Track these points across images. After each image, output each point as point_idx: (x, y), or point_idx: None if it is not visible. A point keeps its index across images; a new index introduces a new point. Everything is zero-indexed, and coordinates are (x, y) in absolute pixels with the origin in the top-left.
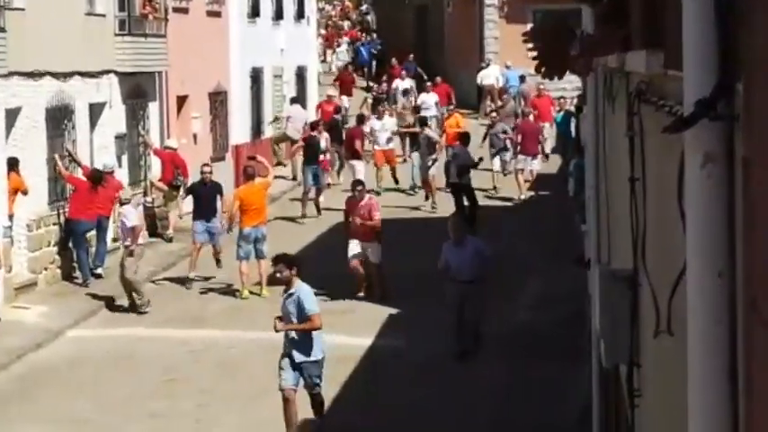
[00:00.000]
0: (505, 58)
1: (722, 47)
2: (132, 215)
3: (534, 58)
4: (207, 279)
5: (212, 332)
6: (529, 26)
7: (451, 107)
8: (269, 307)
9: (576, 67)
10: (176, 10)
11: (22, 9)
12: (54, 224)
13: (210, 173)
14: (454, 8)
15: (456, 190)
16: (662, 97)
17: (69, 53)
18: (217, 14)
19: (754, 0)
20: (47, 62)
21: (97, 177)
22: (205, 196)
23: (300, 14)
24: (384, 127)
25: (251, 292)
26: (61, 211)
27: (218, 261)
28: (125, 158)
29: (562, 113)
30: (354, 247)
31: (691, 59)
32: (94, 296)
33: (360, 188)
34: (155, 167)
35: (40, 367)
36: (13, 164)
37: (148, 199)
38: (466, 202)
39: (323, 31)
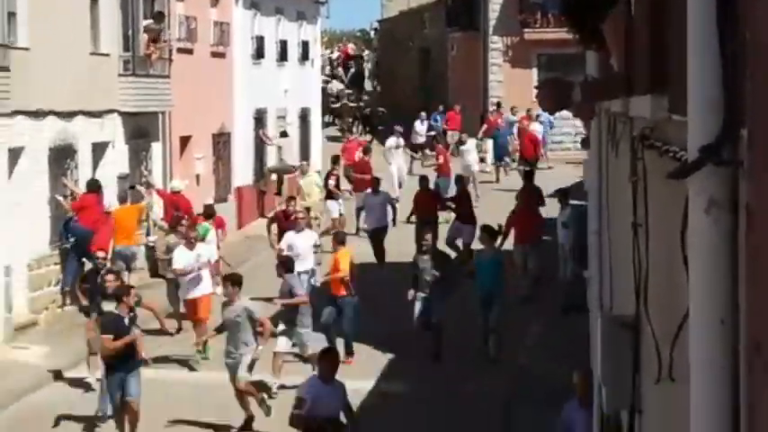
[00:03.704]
0: (510, 102)
1: (727, 93)
2: None
3: (538, 101)
4: None
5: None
6: (533, 71)
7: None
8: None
9: (579, 113)
10: (181, 51)
11: (27, 48)
12: (55, 264)
13: None
14: (458, 51)
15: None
16: (666, 142)
17: (73, 92)
18: (221, 55)
19: (758, 48)
20: (50, 101)
21: (94, 185)
22: None
23: (305, 56)
24: None
25: None
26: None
27: None
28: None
29: None
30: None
31: (696, 105)
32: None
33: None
34: (156, 208)
35: (40, 408)
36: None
37: (151, 239)
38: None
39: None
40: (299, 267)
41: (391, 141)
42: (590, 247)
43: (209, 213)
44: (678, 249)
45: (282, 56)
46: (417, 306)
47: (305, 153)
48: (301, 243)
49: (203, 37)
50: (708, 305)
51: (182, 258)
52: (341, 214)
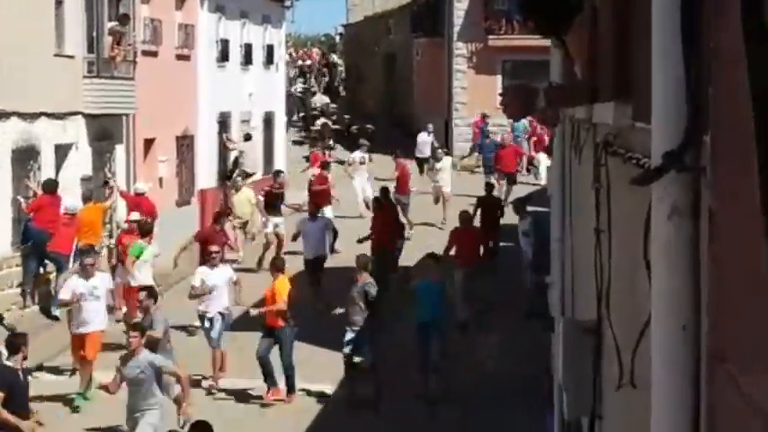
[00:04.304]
0: (473, 108)
1: (690, 100)
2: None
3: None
4: None
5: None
6: (498, 77)
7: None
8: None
9: (544, 118)
10: (145, 53)
11: None
12: (17, 266)
13: None
14: (423, 57)
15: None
16: (629, 149)
17: (37, 94)
18: (186, 58)
19: (721, 55)
20: (14, 102)
21: (51, 185)
22: None
23: (270, 60)
24: None
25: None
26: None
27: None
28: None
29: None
30: None
31: (659, 112)
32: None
33: None
34: (120, 209)
35: None
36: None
37: (113, 241)
38: None
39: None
40: (214, 308)
41: (356, 155)
42: (552, 253)
43: (145, 230)
44: (640, 255)
45: (247, 59)
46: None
47: (269, 157)
48: (216, 279)
49: (168, 39)
50: (670, 311)
51: (69, 287)
52: (276, 226)
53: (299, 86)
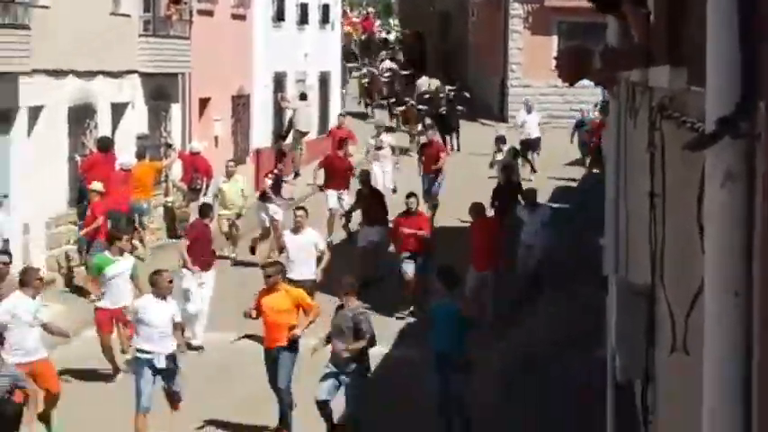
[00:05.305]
0: (528, 69)
1: (745, 66)
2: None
3: (557, 71)
4: None
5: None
6: (553, 38)
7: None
8: None
9: (600, 79)
10: (201, 12)
11: (47, 7)
12: (73, 223)
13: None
14: (479, 17)
15: None
16: (684, 113)
17: (93, 52)
18: (242, 18)
19: None
20: (70, 61)
21: (104, 143)
22: None
23: (325, 19)
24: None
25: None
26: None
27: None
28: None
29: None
30: None
31: (713, 77)
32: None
33: None
34: (175, 169)
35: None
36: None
37: (169, 199)
38: None
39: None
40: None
41: (371, 141)
42: (606, 215)
43: (114, 237)
44: (694, 220)
45: (303, 19)
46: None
47: (324, 118)
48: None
49: None
50: (722, 277)
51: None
52: (274, 220)
53: (386, 65)
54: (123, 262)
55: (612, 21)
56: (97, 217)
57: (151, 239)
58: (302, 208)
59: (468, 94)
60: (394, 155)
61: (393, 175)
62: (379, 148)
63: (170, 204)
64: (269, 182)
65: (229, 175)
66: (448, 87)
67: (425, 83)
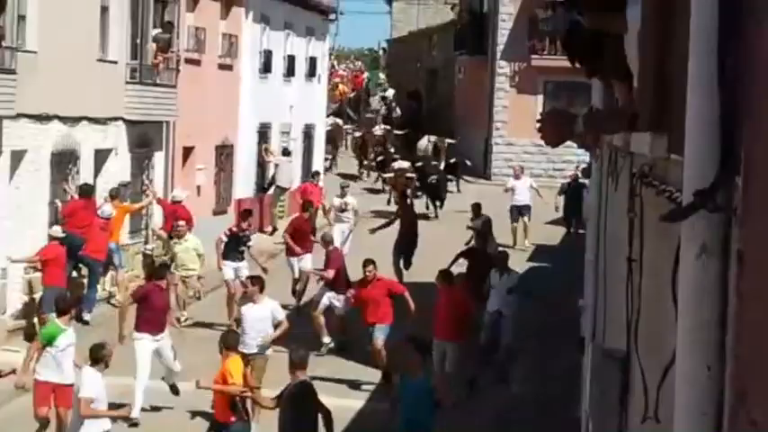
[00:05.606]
0: (513, 127)
1: (724, 140)
2: None
3: (540, 134)
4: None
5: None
6: (539, 97)
7: None
8: None
9: (583, 142)
10: (189, 61)
11: (35, 52)
12: None
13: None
14: (465, 74)
15: None
16: (664, 181)
17: (79, 98)
18: (229, 68)
19: (757, 95)
20: (56, 106)
21: (86, 190)
22: None
23: (312, 73)
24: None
25: None
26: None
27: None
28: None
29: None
30: None
31: (692, 149)
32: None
33: None
34: (156, 216)
35: (30, 411)
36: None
37: (149, 247)
38: None
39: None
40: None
41: (336, 201)
42: (585, 276)
43: (65, 305)
44: (669, 289)
45: (290, 71)
46: None
47: (307, 169)
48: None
49: (211, 48)
50: (695, 350)
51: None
52: (237, 277)
53: (377, 129)
54: (72, 332)
55: (597, 82)
56: (43, 259)
57: (131, 287)
58: (258, 277)
59: (469, 162)
60: (355, 217)
61: (349, 243)
62: (342, 210)
63: (150, 252)
64: (224, 238)
65: (180, 236)
66: (447, 140)
67: (425, 143)
